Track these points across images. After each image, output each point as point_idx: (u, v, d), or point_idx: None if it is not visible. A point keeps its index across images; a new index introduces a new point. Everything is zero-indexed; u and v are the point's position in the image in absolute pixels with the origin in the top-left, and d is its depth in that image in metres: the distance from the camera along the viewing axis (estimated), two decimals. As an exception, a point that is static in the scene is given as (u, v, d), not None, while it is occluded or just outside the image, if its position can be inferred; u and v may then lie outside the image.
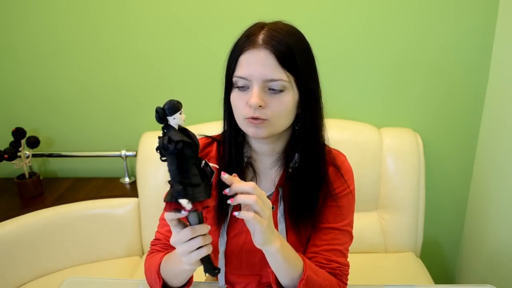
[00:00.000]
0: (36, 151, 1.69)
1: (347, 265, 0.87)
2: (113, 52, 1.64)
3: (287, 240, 0.86)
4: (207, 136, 0.93)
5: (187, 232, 0.67)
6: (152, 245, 0.93)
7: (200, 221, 0.68)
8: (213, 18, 1.57)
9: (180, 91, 1.67)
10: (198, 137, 0.68)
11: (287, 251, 0.75)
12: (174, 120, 0.61)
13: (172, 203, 0.62)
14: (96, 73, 1.68)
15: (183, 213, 0.64)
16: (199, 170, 0.65)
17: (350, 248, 0.90)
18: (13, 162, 1.57)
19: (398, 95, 1.62)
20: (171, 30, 1.60)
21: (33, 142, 1.63)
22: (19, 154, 1.60)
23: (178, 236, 0.68)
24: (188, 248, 0.67)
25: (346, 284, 0.86)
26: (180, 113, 0.61)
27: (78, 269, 1.56)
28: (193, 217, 0.68)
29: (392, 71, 1.59)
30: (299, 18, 1.51)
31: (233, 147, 0.84)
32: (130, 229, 1.61)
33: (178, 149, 0.60)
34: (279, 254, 0.72)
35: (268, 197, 0.88)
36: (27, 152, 1.66)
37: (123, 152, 1.70)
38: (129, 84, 1.68)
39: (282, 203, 0.86)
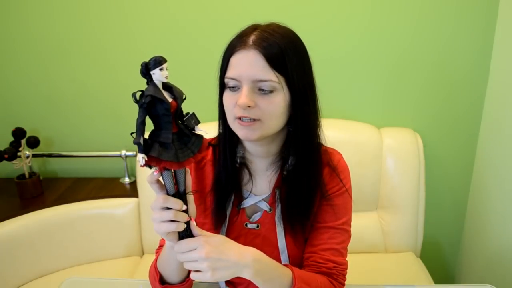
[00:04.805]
0: (36, 151, 1.69)
1: (344, 264, 0.86)
2: (112, 52, 1.64)
3: (286, 242, 0.86)
4: None
5: (160, 199, 0.67)
6: (156, 252, 0.92)
7: (179, 192, 0.68)
8: (211, 19, 1.57)
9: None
10: None
11: (265, 273, 0.73)
12: (155, 75, 0.61)
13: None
14: (96, 73, 1.68)
15: (155, 175, 0.65)
16: (180, 131, 0.64)
17: (350, 248, 0.89)
18: (13, 162, 1.57)
19: (398, 95, 1.62)
20: (170, 30, 1.60)
21: (33, 142, 1.63)
22: (19, 154, 1.60)
23: (154, 202, 0.68)
24: (159, 217, 0.67)
25: (343, 284, 0.85)
26: (161, 69, 0.60)
27: (78, 269, 1.56)
28: (166, 180, 0.67)
29: (392, 71, 1.59)
30: (299, 18, 1.53)
31: (228, 149, 0.84)
32: (130, 229, 1.61)
33: (145, 103, 0.59)
34: (255, 279, 0.72)
35: (265, 199, 0.88)
36: (27, 152, 1.65)
37: (123, 152, 1.70)
38: (129, 84, 1.68)
39: (279, 205, 0.86)
